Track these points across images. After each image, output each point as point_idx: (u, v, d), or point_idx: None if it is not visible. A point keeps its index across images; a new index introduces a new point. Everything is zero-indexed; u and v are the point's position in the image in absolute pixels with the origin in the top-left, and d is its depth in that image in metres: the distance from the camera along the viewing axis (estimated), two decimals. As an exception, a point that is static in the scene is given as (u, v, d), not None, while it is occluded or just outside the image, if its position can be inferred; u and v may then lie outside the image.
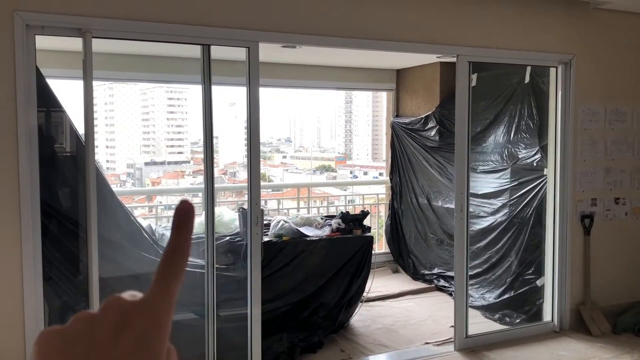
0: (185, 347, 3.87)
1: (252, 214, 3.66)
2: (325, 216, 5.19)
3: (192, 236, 0.42)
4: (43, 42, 3.28)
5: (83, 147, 3.32)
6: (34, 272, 3.06)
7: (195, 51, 3.68)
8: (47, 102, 3.31)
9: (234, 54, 3.89)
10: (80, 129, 3.34)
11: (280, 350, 4.13)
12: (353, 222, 4.79)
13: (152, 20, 3.25)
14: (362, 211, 5.08)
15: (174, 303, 0.41)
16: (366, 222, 4.90)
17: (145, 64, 5.10)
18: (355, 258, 4.66)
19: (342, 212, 5.13)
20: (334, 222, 4.76)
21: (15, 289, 3.03)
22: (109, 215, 3.68)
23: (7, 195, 3.02)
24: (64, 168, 3.56)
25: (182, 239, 0.42)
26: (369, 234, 4.84)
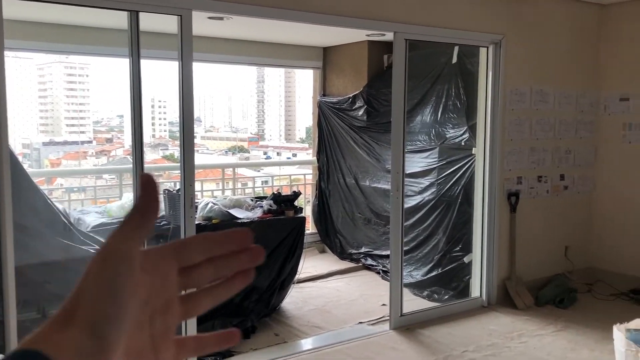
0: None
1: (186, 196, 3.43)
2: (255, 197, 5.02)
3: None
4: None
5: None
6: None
7: (113, 21, 3.37)
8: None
9: (150, 24, 3.61)
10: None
11: (214, 337, 3.96)
12: (285, 203, 4.66)
13: (74, -19, 2.92)
14: (294, 192, 4.96)
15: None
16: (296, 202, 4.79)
17: (61, 34, 4.64)
18: (288, 240, 4.54)
19: (273, 192, 4.99)
20: (266, 204, 4.61)
21: None
22: (23, 198, 3.31)
23: None
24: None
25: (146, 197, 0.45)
26: (301, 215, 4.73)
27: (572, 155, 5.18)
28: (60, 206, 4.12)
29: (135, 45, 3.23)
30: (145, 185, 0.45)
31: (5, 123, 2.84)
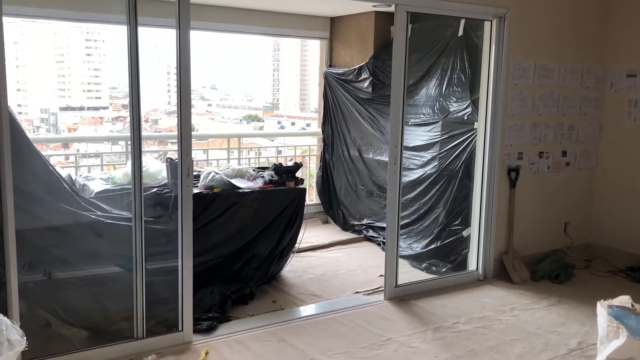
0: (113, 302, 3.72)
1: (183, 165, 3.49)
2: (257, 168, 5.08)
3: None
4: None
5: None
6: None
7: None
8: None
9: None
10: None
11: (212, 302, 4.06)
12: (286, 174, 4.72)
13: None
14: (295, 163, 5.01)
15: None
16: (298, 174, 4.84)
17: (63, 1, 4.68)
18: (288, 210, 4.61)
19: (274, 163, 5.04)
20: (267, 174, 4.67)
21: None
22: (24, 164, 3.40)
23: None
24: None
25: None
26: (302, 186, 4.79)
27: (575, 132, 5.15)
28: (64, 173, 4.21)
29: (132, 14, 3.26)
30: None
31: (4, 85, 2.91)
